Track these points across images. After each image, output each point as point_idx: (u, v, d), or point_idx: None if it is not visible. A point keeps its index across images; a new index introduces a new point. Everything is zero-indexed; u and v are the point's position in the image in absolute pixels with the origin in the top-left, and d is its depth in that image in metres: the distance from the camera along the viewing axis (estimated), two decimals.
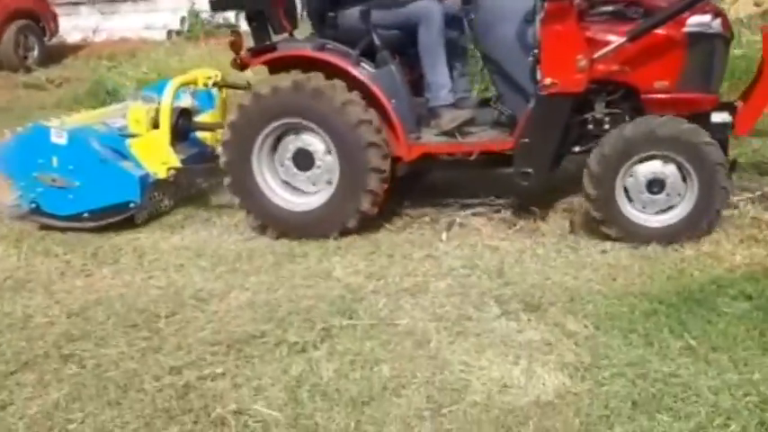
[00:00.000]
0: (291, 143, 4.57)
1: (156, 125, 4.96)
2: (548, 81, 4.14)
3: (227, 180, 4.67)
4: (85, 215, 4.87)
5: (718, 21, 4.20)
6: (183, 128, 5.09)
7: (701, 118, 4.17)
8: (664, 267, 3.89)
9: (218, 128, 5.19)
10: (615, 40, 4.11)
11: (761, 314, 3.33)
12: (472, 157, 4.56)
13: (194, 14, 12.74)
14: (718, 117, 4.26)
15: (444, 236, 4.47)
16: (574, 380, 2.97)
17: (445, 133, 4.56)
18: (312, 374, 3.14)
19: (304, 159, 4.55)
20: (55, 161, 4.86)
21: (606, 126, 4.28)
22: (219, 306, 3.80)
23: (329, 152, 4.48)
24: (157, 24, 12.68)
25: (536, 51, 4.22)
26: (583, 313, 3.48)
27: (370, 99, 4.42)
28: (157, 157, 4.90)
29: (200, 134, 5.42)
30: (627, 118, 4.24)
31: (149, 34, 12.48)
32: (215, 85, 5.30)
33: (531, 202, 4.65)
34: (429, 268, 4.07)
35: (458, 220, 4.67)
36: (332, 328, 3.48)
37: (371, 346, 3.32)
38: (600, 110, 4.31)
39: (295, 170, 4.59)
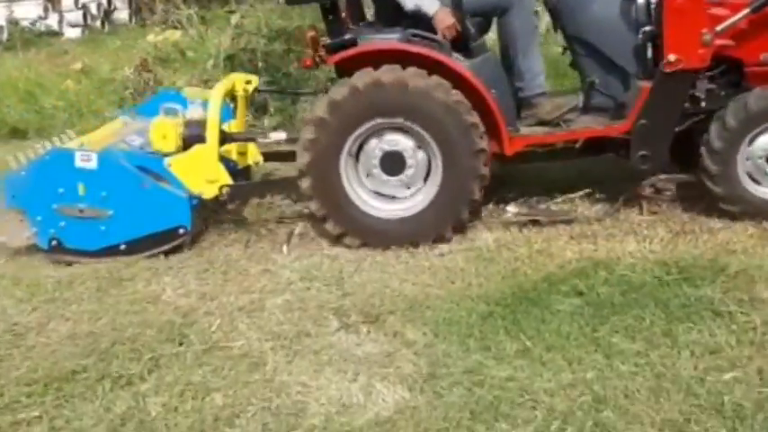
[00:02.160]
0: (377, 146, 4.20)
1: (185, 141, 4.44)
2: (672, 58, 4.05)
3: (305, 183, 4.22)
4: (122, 247, 4.29)
5: None
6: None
7: None
8: (499, 268, 3.91)
9: (258, 138, 4.79)
10: (731, 13, 4.09)
11: (591, 310, 3.39)
12: (577, 146, 4.42)
13: (14, 23, 11.97)
14: None
15: (285, 248, 4.32)
16: (413, 392, 2.90)
17: (544, 123, 4.38)
18: (138, 410, 2.92)
19: (393, 163, 4.20)
20: (82, 189, 4.27)
21: (703, 104, 4.22)
22: (37, 340, 3.50)
23: (425, 154, 4.18)
24: None
25: (647, 29, 4.15)
26: (422, 320, 3.43)
27: (468, 92, 4.12)
28: (203, 175, 4.37)
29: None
30: (722, 94, 4.21)
31: None
32: (256, 90, 4.83)
33: None
34: (266, 284, 3.92)
35: (296, 230, 4.54)
36: (160, 357, 3.26)
37: (203, 373, 3.13)
38: (701, 86, 4.21)
39: (383, 175, 4.23)
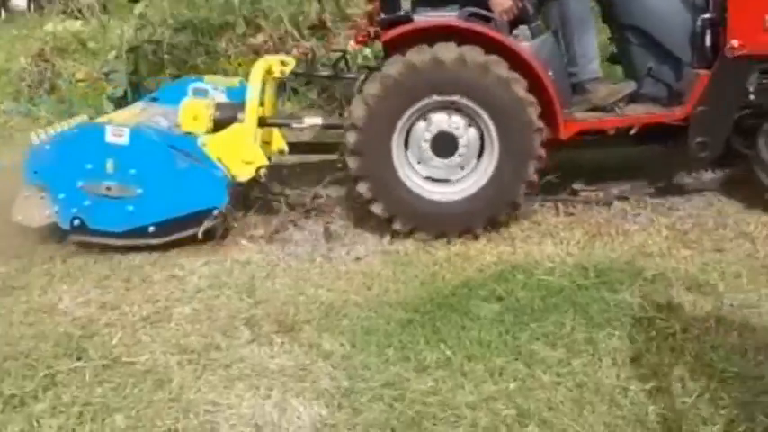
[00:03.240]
0: (428, 126, 4.08)
1: (216, 123, 4.23)
2: (735, 43, 4.02)
3: (354, 164, 4.07)
4: (151, 229, 4.05)
5: None
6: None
7: None
8: (417, 272, 3.80)
9: (292, 124, 4.65)
10: None
11: (511, 316, 3.32)
12: (631, 133, 4.32)
13: None
14: None
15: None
16: (330, 409, 2.76)
17: (597, 108, 4.28)
18: None
19: (444, 144, 4.08)
20: (110, 166, 4.01)
21: (752, 97, 4.17)
22: None
23: (479, 135, 4.08)
24: None
25: (706, 16, 4.11)
26: (339, 330, 3.29)
27: (526, 73, 4.01)
28: (239, 156, 4.14)
29: None
30: None
31: None
32: (292, 73, 4.60)
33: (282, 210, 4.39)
34: (172, 291, 3.70)
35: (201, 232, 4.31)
36: (57, 374, 3.01)
37: (103, 391, 2.90)
38: (753, 80, 4.17)
39: (433, 157, 4.11)
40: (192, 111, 4.24)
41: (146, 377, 2.98)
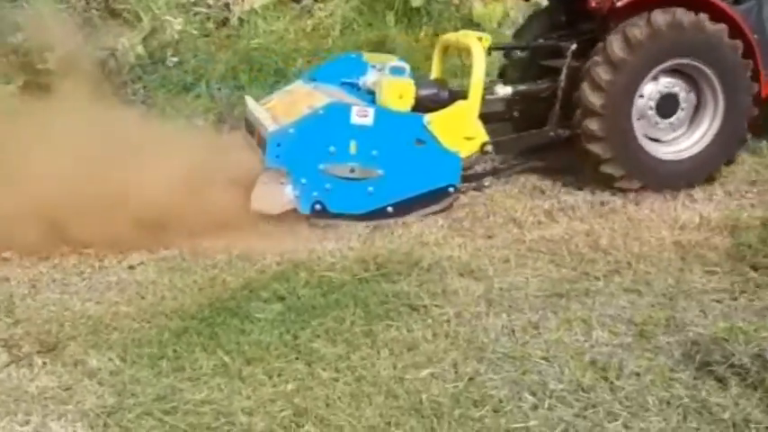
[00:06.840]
0: (657, 86, 4.44)
1: (419, 101, 4.30)
2: None
3: (594, 125, 4.31)
4: (390, 209, 4.15)
5: None
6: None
7: None
8: (195, 277, 3.66)
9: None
10: None
11: (293, 315, 3.26)
12: None
13: None
14: None
15: None
16: (95, 430, 2.58)
17: None
18: None
19: (666, 105, 4.45)
20: (354, 147, 4.05)
21: None
22: None
23: (697, 96, 4.50)
24: None
25: None
26: (107, 344, 3.08)
27: (737, 37, 4.42)
28: (462, 132, 4.28)
29: None
30: None
31: None
32: (489, 49, 4.59)
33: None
34: None
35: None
36: None
37: None
38: None
39: (656, 116, 4.47)
40: (397, 89, 4.28)
41: None
